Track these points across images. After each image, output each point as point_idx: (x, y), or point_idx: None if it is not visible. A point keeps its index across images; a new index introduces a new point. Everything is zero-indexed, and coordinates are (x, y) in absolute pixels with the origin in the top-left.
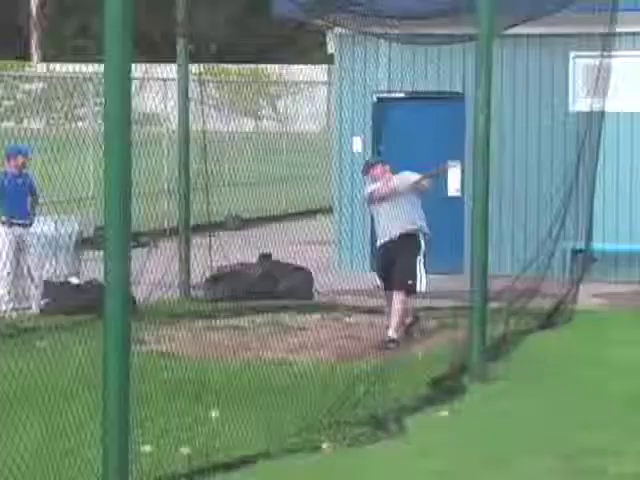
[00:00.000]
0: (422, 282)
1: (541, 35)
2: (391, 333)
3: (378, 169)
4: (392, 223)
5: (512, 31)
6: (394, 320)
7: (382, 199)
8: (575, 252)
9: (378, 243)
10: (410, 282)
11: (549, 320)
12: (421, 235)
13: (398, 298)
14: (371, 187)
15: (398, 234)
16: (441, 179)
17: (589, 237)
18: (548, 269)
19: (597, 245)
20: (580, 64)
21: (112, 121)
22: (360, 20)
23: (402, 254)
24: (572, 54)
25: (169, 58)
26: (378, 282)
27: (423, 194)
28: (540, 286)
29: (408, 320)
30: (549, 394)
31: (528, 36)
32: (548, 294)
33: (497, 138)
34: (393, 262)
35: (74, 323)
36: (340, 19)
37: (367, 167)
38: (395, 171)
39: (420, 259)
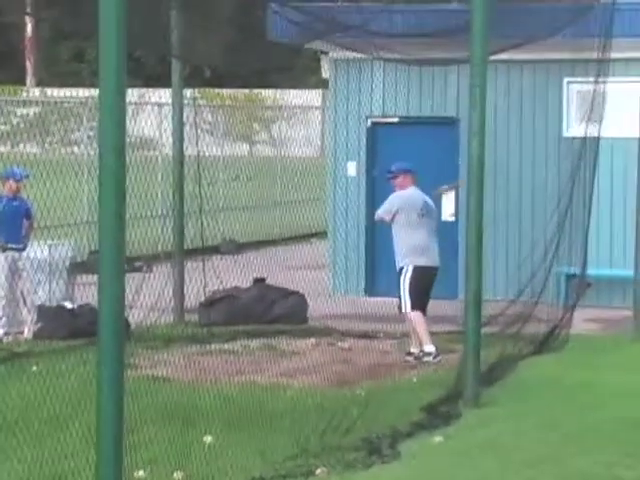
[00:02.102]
0: (405, 303)
1: (535, 60)
2: (425, 347)
3: (399, 179)
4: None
5: (506, 56)
6: (420, 335)
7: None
8: (569, 277)
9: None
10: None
11: (543, 345)
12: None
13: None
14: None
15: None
16: (436, 203)
17: (584, 262)
18: (542, 294)
19: (591, 270)
20: (574, 90)
21: (107, 145)
22: (356, 42)
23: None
24: (566, 80)
25: (164, 83)
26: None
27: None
28: (534, 311)
29: (414, 349)
30: (544, 419)
31: (522, 61)
32: (542, 319)
33: (491, 163)
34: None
35: (68, 348)
36: (335, 41)
37: (390, 175)
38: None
39: (404, 282)
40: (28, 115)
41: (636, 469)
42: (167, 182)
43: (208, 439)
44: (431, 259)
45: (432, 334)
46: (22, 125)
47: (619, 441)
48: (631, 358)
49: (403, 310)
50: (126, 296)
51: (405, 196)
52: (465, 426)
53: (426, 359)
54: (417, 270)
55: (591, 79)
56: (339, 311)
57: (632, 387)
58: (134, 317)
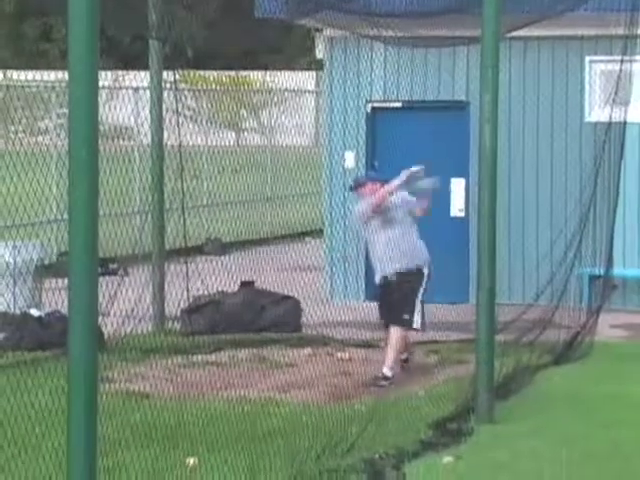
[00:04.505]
0: (418, 318)
1: (554, 37)
2: (385, 370)
3: (367, 188)
4: (387, 261)
5: (521, 33)
6: (389, 356)
7: (373, 218)
8: (593, 278)
9: (376, 277)
10: (406, 317)
11: (564, 354)
12: (425, 268)
13: (395, 333)
14: (357, 208)
15: (395, 273)
16: (444, 197)
17: (609, 262)
18: (563, 297)
19: (618, 270)
20: (597, 69)
21: (77, 135)
22: (353, 20)
23: (401, 287)
24: (588, 58)
25: (141, 65)
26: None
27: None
28: (554, 316)
29: (403, 356)
30: (565, 437)
31: (539, 38)
32: (563, 325)
33: (505, 151)
34: (392, 295)
35: (35, 360)
36: (330, 18)
37: (355, 185)
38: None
39: (420, 294)
40: None
41: None
42: (145, 175)
43: (192, 461)
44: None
45: (440, 342)
46: None
47: None
48: None
49: (415, 325)
50: (100, 302)
51: None
52: (477, 445)
53: (383, 383)
54: None
55: (616, 57)
56: (337, 318)
57: None
58: (109, 326)
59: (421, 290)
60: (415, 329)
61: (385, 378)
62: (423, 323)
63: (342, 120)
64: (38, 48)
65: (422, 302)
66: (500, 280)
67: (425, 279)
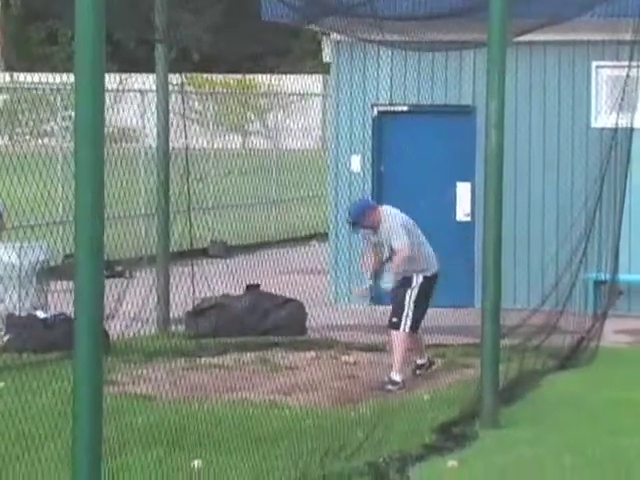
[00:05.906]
0: (407, 322)
1: (560, 42)
2: (393, 374)
3: (376, 215)
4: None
5: (528, 37)
6: (394, 360)
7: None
8: (599, 283)
9: None
10: (395, 320)
11: (569, 359)
12: (415, 276)
13: (393, 337)
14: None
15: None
16: (450, 201)
17: (615, 267)
18: (568, 302)
19: (623, 276)
20: (604, 75)
21: (83, 137)
22: (359, 24)
23: (394, 293)
24: (595, 64)
25: (147, 68)
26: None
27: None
28: (559, 321)
29: (421, 361)
30: (569, 443)
31: (545, 43)
32: (568, 330)
33: (511, 156)
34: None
35: (40, 362)
36: (337, 23)
37: (361, 214)
38: (399, 196)
39: (410, 296)
40: None
41: None
42: (151, 178)
43: (196, 463)
44: None
45: (446, 346)
46: None
47: None
48: None
49: (402, 328)
50: (105, 305)
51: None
52: (482, 449)
53: (390, 387)
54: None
55: (623, 63)
56: (342, 321)
57: None
58: (114, 328)
59: (410, 293)
60: (405, 333)
61: (393, 382)
62: (414, 327)
63: (348, 123)
64: (44, 51)
65: (414, 306)
66: (505, 284)
67: (414, 285)
